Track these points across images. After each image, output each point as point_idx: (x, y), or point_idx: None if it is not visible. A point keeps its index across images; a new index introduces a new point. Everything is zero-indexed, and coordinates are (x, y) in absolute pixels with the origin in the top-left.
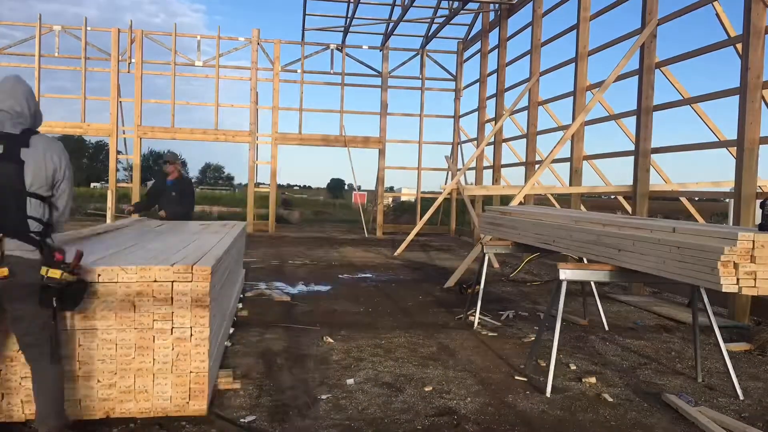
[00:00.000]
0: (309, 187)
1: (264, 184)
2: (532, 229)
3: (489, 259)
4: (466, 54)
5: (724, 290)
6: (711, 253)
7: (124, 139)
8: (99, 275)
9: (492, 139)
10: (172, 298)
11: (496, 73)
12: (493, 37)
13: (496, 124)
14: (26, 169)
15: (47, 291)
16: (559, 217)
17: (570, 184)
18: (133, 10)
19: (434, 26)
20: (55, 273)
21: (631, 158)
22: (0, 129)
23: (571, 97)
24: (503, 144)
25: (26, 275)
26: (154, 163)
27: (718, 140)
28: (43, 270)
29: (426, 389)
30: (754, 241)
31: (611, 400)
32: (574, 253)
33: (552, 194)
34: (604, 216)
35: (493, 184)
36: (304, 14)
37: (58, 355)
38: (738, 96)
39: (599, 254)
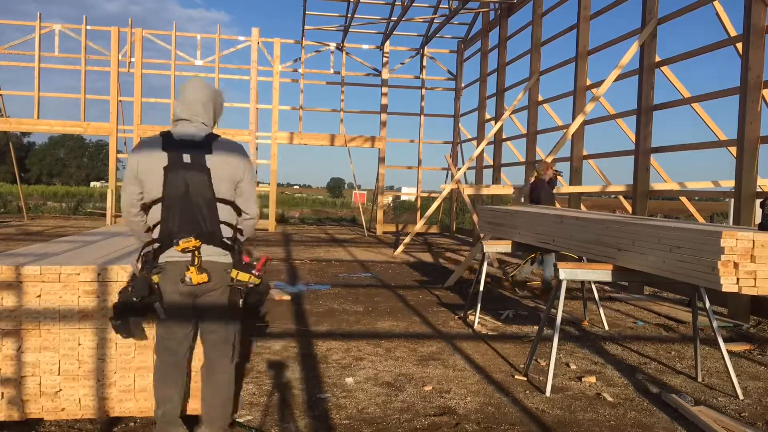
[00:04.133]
0: (309, 186)
1: (264, 183)
2: (532, 228)
3: (489, 258)
4: (466, 53)
5: (724, 290)
6: (711, 253)
7: (124, 138)
8: (99, 274)
9: (492, 139)
10: None
11: (496, 73)
12: (493, 37)
13: (496, 123)
14: (213, 176)
15: (235, 293)
16: (556, 217)
17: (570, 184)
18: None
19: (434, 25)
20: (244, 276)
21: (631, 158)
22: (185, 137)
23: (571, 97)
24: (503, 143)
25: (219, 278)
26: None
27: (718, 140)
28: (234, 272)
29: (426, 389)
30: (754, 241)
31: (611, 399)
32: (574, 253)
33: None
34: (603, 215)
35: (493, 183)
36: (304, 14)
37: (237, 356)
38: (738, 95)
39: (599, 253)
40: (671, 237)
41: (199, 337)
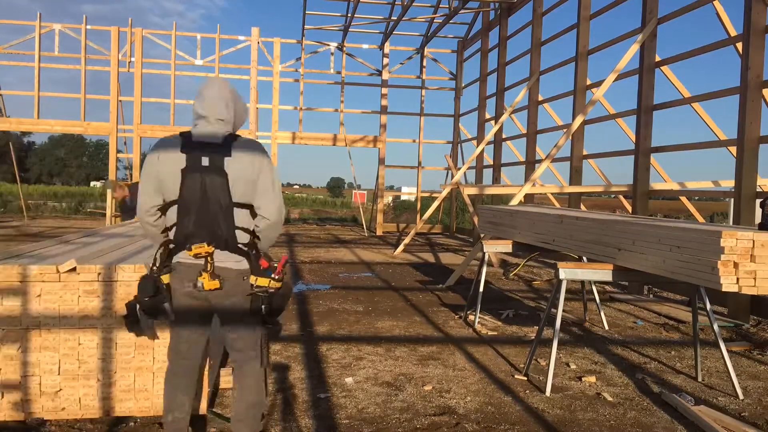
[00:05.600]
0: (309, 186)
1: None
2: (532, 228)
3: (489, 258)
4: (466, 53)
5: (724, 290)
6: (711, 253)
7: (124, 137)
8: (99, 274)
9: (492, 138)
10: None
11: (496, 72)
12: (493, 36)
13: (496, 123)
14: (231, 180)
15: (256, 299)
16: (557, 217)
17: (570, 184)
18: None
19: (434, 25)
20: (263, 281)
21: (632, 157)
22: (203, 138)
23: (571, 96)
24: (503, 143)
25: (237, 285)
26: None
27: (718, 139)
28: (252, 279)
29: (426, 388)
30: (754, 240)
31: (611, 399)
32: (574, 252)
33: (552, 193)
34: (603, 215)
35: (493, 183)
36: (304, 13)
37: (266, 359)
38: (738, 95)
39: (599, 253)
40: (671, 237)
41: (224, 344)
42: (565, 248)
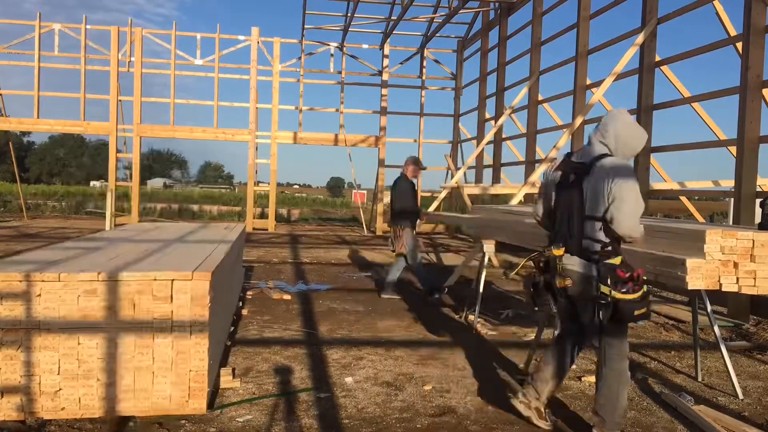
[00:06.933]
0: (309, 186)
1: (264, 182)
2: (503, 230)
3: (489, 257)
4: (466, 53)
5: (723, 290)
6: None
7: (124, 137)
8: (99, 274)
9: (492, 138)
10: (171, 297)
11: (495, 72)
12: (493, 36)
13: (496, 122)
14: (585, 195)
15: (596, 304)
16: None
17: None
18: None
19: (434, 25)
20: (605, 290)
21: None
22: (580, 159)
23: (571, 96)
24: (503, 143)
25: (584, 288)
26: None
27: (718, 139)
28: (600, 286)
29: (426, 388)
30: (753, 240)
31: None
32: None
33: None
34: None
35: (493, 183)
36: (304, 13)
37: (615, 359)
38: (738, 95)
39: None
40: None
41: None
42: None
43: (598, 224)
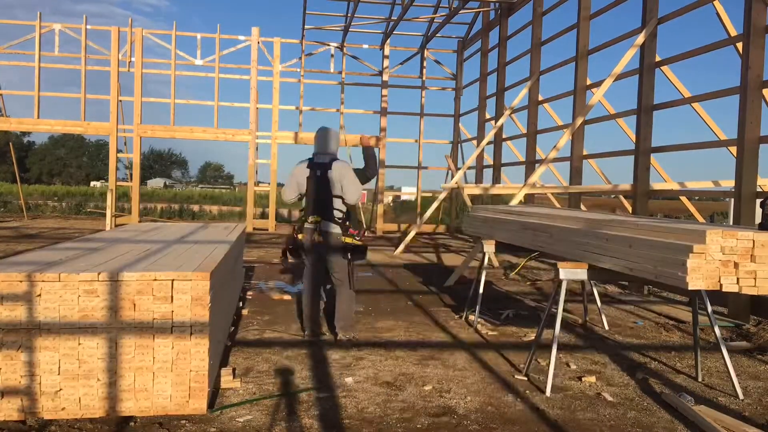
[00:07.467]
0: None
1: (264, 182)
2: (504, 231)
3: (489, 257)
4: (466, 53)
5: (724, 290)
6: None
7: (124, 137)
8: (99, 274)
9: (492, 138)
10: (171, 297)
11: (496, 72)
12: (493, 36)
13: (496, 123)
14: (330, 182)
15: (344, 249)
16: (543, 216)
17: (570, 183)
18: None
19: (434, 25)
20: (348, 239)
21: (632, 157)
22: (320, 161)
23: (572, 96)
24: (503, 143)
25: (334, 241)
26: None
27: (718, 139)
28: (343, 238)
29: (426, 388)
30: (754, 240)
31: (611, 399)
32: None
33: (552, 193)
34: (577, 215)
35: (493, 183)
36: (304, 13)
37: (353, 284)
38: (738, 95)
39: (579, 257)
40: (642, 244)
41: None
42: (562, 253)
43: (338, 200)
